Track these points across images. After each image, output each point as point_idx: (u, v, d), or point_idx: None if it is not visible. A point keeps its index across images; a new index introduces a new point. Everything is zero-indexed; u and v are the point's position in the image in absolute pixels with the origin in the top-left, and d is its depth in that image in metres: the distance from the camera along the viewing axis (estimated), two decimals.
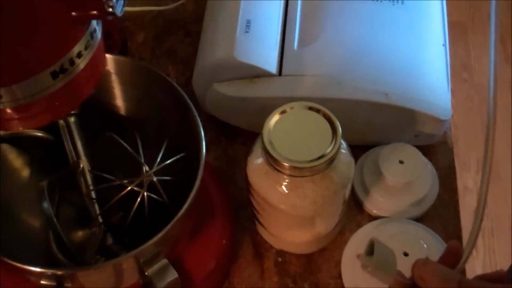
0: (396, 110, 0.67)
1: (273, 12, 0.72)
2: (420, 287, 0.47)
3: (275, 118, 0.57)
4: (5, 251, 0.51)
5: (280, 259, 0.68)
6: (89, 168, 0.63)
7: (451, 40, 0.74)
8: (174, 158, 0.59)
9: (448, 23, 0.74)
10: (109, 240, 0.64)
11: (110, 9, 0.44)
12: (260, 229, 0.68)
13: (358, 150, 0.70)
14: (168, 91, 0.59)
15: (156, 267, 0.54)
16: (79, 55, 0.46)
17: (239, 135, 0.74)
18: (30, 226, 0.64)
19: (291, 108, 0.57)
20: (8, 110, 0.46)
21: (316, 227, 0.63)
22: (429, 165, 0.70)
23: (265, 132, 0.56)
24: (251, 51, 0.68)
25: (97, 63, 0.50)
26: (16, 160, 0.64)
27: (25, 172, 0.65)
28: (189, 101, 0.58)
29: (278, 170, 0.56)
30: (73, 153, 0.63)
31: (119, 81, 0.63)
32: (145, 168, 0.60)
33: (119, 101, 0.65)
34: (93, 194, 0.64)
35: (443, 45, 0.72)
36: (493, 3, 0.43)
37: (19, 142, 0.63)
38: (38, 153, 0.64)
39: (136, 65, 0.62)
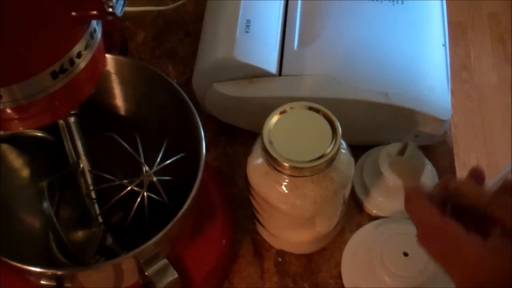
0: (396, 110, 0.67)
1: (273, 12, 0.72)
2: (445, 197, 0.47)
3: (275, 118, 0.57)
4: (5, 251, 0.51)
5: (280, 259, 0.68)
6: (89, 168, 0.64)
7: (451, 40, 0.74)
8: (174, 158, 0.59)
9: (448, 23, 0.74)
10: (109, 240, 0.64)
11: (110, 9, 0.44)
12: (260, 229, 0.68)
13: (358, 150, 0.69)
14: (168, 91, 0.59)
15: (156, 267, 0.54)
16: (79, 55, 0.46)
17: (239, 135, 0.74)
18: (30, 226, 0.64)
19: (291, 108, 0.57)
20: (8, 110, 0.46)
21: (316, 227, 0.63)
22: (429, 165, 0.70)
23: (265, 132, 0.56)
24: (251, 51, 0.68)
25: (97, 63, 0.50)
26: (16, 160, 0.64)
27: (25, 172, 0.65)
28: (189, 101, 0.58)
29: (278, 170, 0.56)
30: (73, 153, 0.63)
31: (119, 81, 0.63)
32: (145, 168, 0.60)
33: (119, 101, 0.65)
34: (93, 194, 0.64)
35: (443, 45, 0.72)
36: None
37: (19, 142, 0.63)
38: (38, 153, 0.64)
39: (136, 65, 0.62)
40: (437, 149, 0.74)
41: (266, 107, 0.58)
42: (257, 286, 0.66)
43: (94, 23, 0.48)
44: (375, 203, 0.69)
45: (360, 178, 0.70)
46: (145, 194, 0.59)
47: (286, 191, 0.57)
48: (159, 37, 0.84)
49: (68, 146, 0.63)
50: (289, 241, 0.67)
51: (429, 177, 0.69)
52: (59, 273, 0.52)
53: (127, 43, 0.82)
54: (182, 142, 0.59)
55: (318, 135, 0.56)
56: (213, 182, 0.69)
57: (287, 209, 0.58)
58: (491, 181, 0.47)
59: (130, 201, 0.59)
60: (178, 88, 0.59)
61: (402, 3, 0.72)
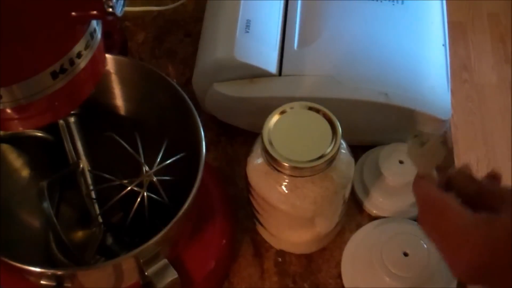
0: (396, 110, 0.67)
1: (273, 12, 0.72)
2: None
3: (275, 118, 0.57)
4: (5, 251, 0.51)
5: (280, 259, 0.68)
6: (89, 168, 0.63)
7: (451, 40, 0.74)
8: (174, 158, 0.59)
9: (448, 23, 0.74)
10: (109, 240, 0.64)
11: (110, 9, 0.44)
12: (260, 229, 0.68)
13: (358, 150, 0.70)
14: (168, 91, 0.59)
15: (156, 267, 0.54)
16: (79, 55, 0.46)
17: (239, 135, 0.74)
18: (30, 226, 0.64)
19: (291, 108, 0.57)
20: (8, 110, 0.46)
21: (316, 227, 0.63)
22: None
23: (265, 132, 0.56)
24: (251, 51, 0.68)
25: (97, 63, 0.50)
26: (16, 160, 0.64)
27: (25, 172, 0.65)
28: (189, 101, 0.58)
29: (278, 170, 0.56)
30: (73, 153, 0.63)
31: (119, 81, 0.63)
32: (145, 168, 0.60)
33: (119, 101, 0.65)
34: (93, 194, 0.64)
35: (443, 45, 0.72)
36: None
37: (19, 142, 0.63)
38: (38, 153, 0.64)
39: (136, 65, 0.62)
40: None
41: (266, 107, 0.58)
42: (257, 286, 0.66)
43: (94, 23, 0.48)
44: (375, 203, 0.69)
45: (360, 178, 0.70)
46: (145, 194, 0.59)
47: (286, 191, 0.57)
48: (159, 37, 0.84)
49: (68, 146, 0.63)
50: (289, 241, 0.67)
51: None
52: (59, 273, 0.52)
53: (127, 43, 0.82)
54: (182, 142, 0.59)
55: (318, 135, 0.56)
56: (213, 182, 0.69)
57: (287, 209, 0.58)
58: None
59: (130, 201, 0.59)
60: (178, 88, 0.59)
61: (402, 3, 0.72)
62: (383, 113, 0.67)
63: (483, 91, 1.75)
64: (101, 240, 0.63)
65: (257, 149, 0.58)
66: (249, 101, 0.68)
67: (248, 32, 0.68)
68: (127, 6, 0.47)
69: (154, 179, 0.60)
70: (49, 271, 0.51)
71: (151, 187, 0.60)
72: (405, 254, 0.62)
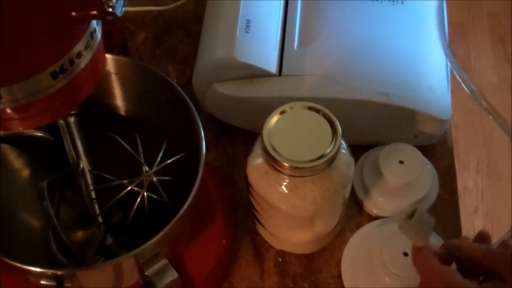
0: (396, 110, 0.67)
1: (273, 12, 0.72)
2: (451, 256, 0.53)
3: (275, 118, 0.57)
4: (5, 251, 0.51)
5: (280, 259, 0.68)
6: (89, 168, 0.63)
7: (451, 40, 0.74)
8: (174, 158, 0.59)
9: (448, 23, 0.74)
10: (109, 240, 0.64)
11: (110, 9, 0.44)
12: (260, 229, 0.68)
13: (358, 150, 0.69)
14: (168, 91, 0.59)
15: (156, 267, 0.54)
16: (79, 55, 0.46)
17: (239, 135, 0.74)
18: (30, 226, 0.64)
19: (291, 108, 0.57)
20: (8, 110, 0.46)
21: (316, 227, 0.63)
22: (429, 165, 0.70)
23: (265, 132, 0.56)
24: (251, 51, 0.68)
25: (97, 63, 0.50)
26: (16, 160, 0.64)
27: (25, 172, 0.65)
28: (189, 101, 0.58)
29: (278, 170, 0.56)
30: (73, 153, 0.63)
31: (119, 81, 0.63)
32: (145, 168, 0.60)
33: (119, 101, 0.65)
34: (93, 194, 0.64)
35: None
36: None
37: (19, 142, 0.63)
38: (38, 153, 0.64)
39: (136, 65, 0.62)
40: (437, 149, 0.74)
41: (266, 107, 0.58)
42: (257, 286, 0.66)
43: (94, 23, 0.48)
44: (375, 203, 0.69)
45: (360, 178, 0.70)
46: (145, 194, 0.59)
47: (286, 191, 0.57)
48: (159, 37, 0.84)
49: (68, 146, 0.63)
50: (289, 241, 0.67)
51: (429, 177, 0.69)
52: (59, 273, 0.52)
53: (127, 43, 0.82)
54: (182, 142, 0.59)
55: (318, 135, 0.56)
56: (213, 182, 0.69)
57: (287, 209, 0.58)
58: (496, 243, 0.52)
59: (130, 201, 0.59)
60: (178, 88, 0.59)
61: (402, 3, 0.72)
62: (383, 113, 0.67)
63: (483, 91, 1.74)
64: (101, 240, 0.63)
65: (257, 149, 0.58)
66: (249, 101, 0.68)
67: (248, 32, 0.68)
68: (127, 6, 0.47)
69: (154, 179, 0.60)
70: (49, 271, 0.51)
71: (151, 187, 0.60)
72: (405, 254, 0.62)
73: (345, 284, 0.65)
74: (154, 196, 0.60)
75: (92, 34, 0.48)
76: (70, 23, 0.45)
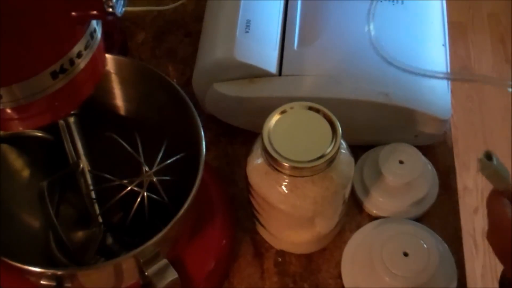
0: (396, 110, 0.67)
1: (273, 12, 0.72)
2: None
3: (275, 118, 0.57)
4: (5, 251, 0.51)
5: (280, 259, 0.68)
6: (89, 168, 0.63)
7: (451, 40, 0.74)
8: (174, 158, 0.59)
9: (448, 23, 0.74)
10: (109, 240, 0.64)
11: (110, 9, 0.44)
12: (260, 229, 0.68)
13: (358, 150, 0.70)
14: (168, 91, 0.59)
15: (156, 267, 0.54)
16: (79, 55, 0.46)
17: (239, 135, 0.74)
18: (30, 226, 0.64)
19: (291, 108, 0.57)
20: (8, 110, 0.46)
21: (316, 227, 0.63)
22: (429, 165, 0.70)
23: (265, 132, 0.56)
24: (251, 51, 0.68)
25: (97, 63, 0.50)
26: (16, 161, 0.64)
27: (25, 173, 0.65)
28: (189, 101, 0.58)
29: (278, 170, 0.56)
30: (73, 153, 0.63)
31: (119, 81, 0.63)
32: (145, 168, 0.60)
33: (119, 101, 0.65)
34: (93, 194, 0.64)
35: (443, 45, 0.72)
36: None
37: (19, 142, 0.63)
38: (38, 153, 0.64)
39: (136, 65, 0.62)
40: (437, 149, 0.74)
41: (266, 107, 0.58)
42: (257, 286, 0.66)
43: (94, 23, 0.48)
44: (375, 203, 0.69)
45: (360, 178, 0.70)
46: (145, 194, 0.59)
47: (286, 191, 0.57)
48: (159, 37, 0.84)
49: (68, 146, 0.63)
50: (289, 241, 0.67)
51: (429, 177, 0.69)
52: (59, 273, 0.52)
53: (127, 43, 0.82)
54: (182, 142, 0.59)
55: (318, 135, 0.56)
56: (213, 182, 0.69)
57: (287, 209, 0.58)
58: None
59: (130, 201, 0.59)
60: (178, 88, 0.59)
61: (402, 3, 0.72)
62: (383, 113, 0.67)
63: (483, 91, 1.75)
64: (101, 240, 0.63)
65: (257, 149, 0.58)
66: (249, 101, 0.68)
67: (248, 32, 0.68)
68: (127, 6, 0.47)
69: (154, 179, 0.60)
70: (49, 271, 0.51)
71: (151, 187, 0.60)
72: (405, 254, 0.62)
73: (345, 284, 0.65)
74: (154, 196, 0.60)
75: (92, 34, 0.48)
76: (70, 23, 0.45)
